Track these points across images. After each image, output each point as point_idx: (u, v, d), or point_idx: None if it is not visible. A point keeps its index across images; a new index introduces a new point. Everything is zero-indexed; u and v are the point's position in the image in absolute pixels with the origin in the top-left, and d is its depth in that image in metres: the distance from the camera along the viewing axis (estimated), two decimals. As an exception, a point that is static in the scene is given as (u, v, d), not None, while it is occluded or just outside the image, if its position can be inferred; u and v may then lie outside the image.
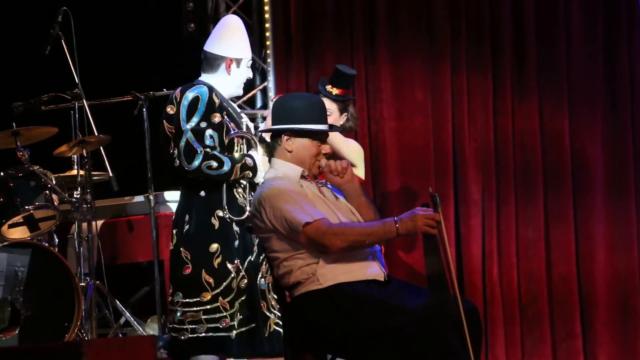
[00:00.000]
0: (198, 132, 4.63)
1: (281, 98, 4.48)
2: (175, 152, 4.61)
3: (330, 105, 5.29)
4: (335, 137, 5.23)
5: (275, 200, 4.16)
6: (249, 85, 7.44)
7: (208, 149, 4.61)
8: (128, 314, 5.95)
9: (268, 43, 7.21)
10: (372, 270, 4.23)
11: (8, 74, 6.95)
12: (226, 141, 4.71)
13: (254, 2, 7.46)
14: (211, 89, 4.69)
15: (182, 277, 4.63)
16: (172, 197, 6.15)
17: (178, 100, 4.65)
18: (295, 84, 7.12)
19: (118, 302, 5.95)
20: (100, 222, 6.29)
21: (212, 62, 4.80)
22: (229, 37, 4.83)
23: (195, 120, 4.62)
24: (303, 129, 4.27)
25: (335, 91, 5.38)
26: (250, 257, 4.73)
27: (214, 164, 4.59)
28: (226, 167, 4.61)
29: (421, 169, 6.90)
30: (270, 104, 4.53)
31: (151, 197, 6.01)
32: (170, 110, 4.68)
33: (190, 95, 4.64)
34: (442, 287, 4.03)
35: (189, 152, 4.59)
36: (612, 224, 6.84)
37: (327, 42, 7.11)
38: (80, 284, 5.72)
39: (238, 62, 4.82)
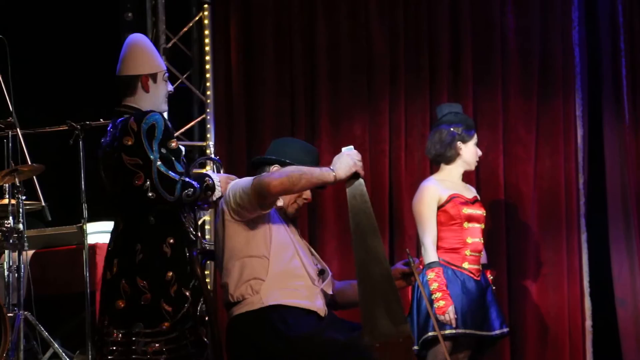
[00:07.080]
0: (167, 160, 4.47)
1: (282, 139, 4.78)
2: (148, 184, 4.41)
3: None
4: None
5: (235, 185, 4.41)
6: (186, 117, 7.47)
7: (182, 177, 4.48)
8: (57, 345, 5.88)
9: (208, 75, 7.21)
10: (317, 303, 4.39)
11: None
12: (191, 171, 4.65)
13: (195, 33, 7.47)
14: (162, 115, 4.62)
15: (141, 307, 4.47)
16: (105, 228, 6.11)
17: (135, 130, 4.46)
18: (235, 116, 7.12)
19: (47, 333, 5.88)
20: (30, 252, 6.23)
21: (128, 85, 4.71)
22: (138, 55, 4.72)
23: (156, 148, 4.52)
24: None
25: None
26: (194, 282, 4.66)
27: (191, 190, 4.45)
28: (198, 191, 4.47)
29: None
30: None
31: (85, 227, 5.97)
32: (128, 141, 4.46)
33: (147, 123, 4.53)
34: (368, 235, 4.16)
35: (168, 183, 4.42)
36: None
37: (268, 70, 7.11)
38: (8, 315, 5.66)
39: (154, 77, 4.74)
